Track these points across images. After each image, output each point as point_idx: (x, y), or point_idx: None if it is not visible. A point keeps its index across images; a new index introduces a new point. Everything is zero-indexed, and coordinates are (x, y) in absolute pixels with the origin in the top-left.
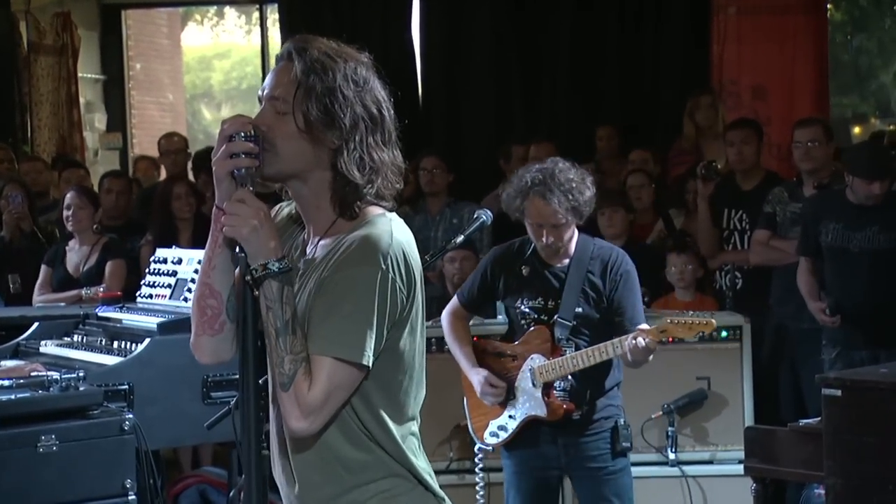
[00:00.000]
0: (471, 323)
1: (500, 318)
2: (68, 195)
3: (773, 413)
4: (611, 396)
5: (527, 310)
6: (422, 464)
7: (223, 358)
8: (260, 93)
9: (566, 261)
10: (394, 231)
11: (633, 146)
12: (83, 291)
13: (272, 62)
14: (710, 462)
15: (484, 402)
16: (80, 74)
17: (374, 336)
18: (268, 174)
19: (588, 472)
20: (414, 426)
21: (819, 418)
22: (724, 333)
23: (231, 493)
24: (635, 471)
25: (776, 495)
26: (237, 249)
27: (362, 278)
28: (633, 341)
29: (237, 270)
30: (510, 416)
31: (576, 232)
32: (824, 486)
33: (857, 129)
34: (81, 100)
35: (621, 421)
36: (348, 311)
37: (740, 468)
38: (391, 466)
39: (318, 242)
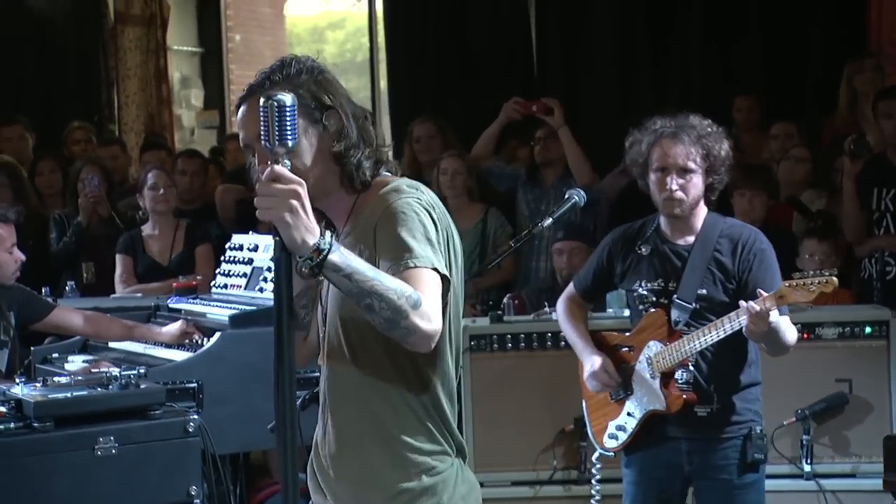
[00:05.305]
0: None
1: (611, 311)
2: (152, 173)
3: None
4: (746, 398)
5: (644, 292)
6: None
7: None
8: (243, 143)
9: (691, 238)
10: (408, 182)
11: (776, 119)
12: (180, 280)
13: (381, 32)
14: (850, 475)
15: (589, 387)
16: (175, 47)
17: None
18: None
19: (714, 483)
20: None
21: None
22: (868, 329)
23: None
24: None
25: None
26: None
27: (407, 207)
28: (748, 306)
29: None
30: (629, 414)
31: (704, 207)
32: None
33: None
34: (176, 74)
35: (757, 429)
36: (416, 233)
37: None
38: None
39: (346, 229)
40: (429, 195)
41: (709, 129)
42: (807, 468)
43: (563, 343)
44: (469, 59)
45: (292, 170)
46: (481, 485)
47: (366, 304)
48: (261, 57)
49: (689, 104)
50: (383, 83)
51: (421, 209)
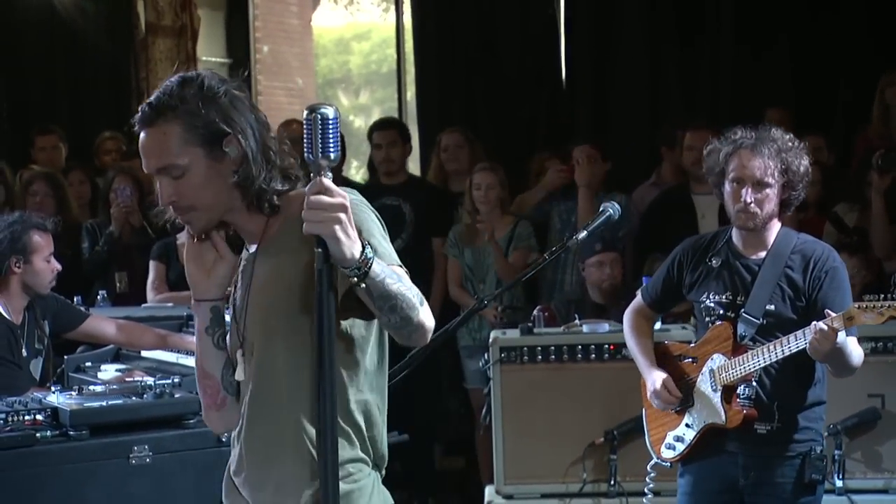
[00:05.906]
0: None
1: (658, 325)
2: None
3: None
4: (809, 417)
5: (712, 305)
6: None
7: (235, 427)
8: (145, 169)
9: (762, 253)
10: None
11: (804, 132)
12: None
13: (408, 44)
14: (883, 491)
15: (653, 405)
16: (203, 58)
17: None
18: (201, 229)
19: (768, 500)
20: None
21: None
22: None
23: None
24: None
25: None
26: (316, 245)
27: (355, 207)
28: (816, 325)
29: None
30: (687, 426)
31: (778, 222)
32: None
33: None
34: None
35: (818, 449)
36: (374, 232)
37: None
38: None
39: (264, 245)
40: (360, 195)
41: (789, 144)
42: (839, 483)
43: (593, 356)
44: (498, 69)
45: (182, 194)
46: (511, 497)
47: (390, 305)
48: (288, 67)
49: (718, 116)
50: (409, 94)
51: (366, 207)
